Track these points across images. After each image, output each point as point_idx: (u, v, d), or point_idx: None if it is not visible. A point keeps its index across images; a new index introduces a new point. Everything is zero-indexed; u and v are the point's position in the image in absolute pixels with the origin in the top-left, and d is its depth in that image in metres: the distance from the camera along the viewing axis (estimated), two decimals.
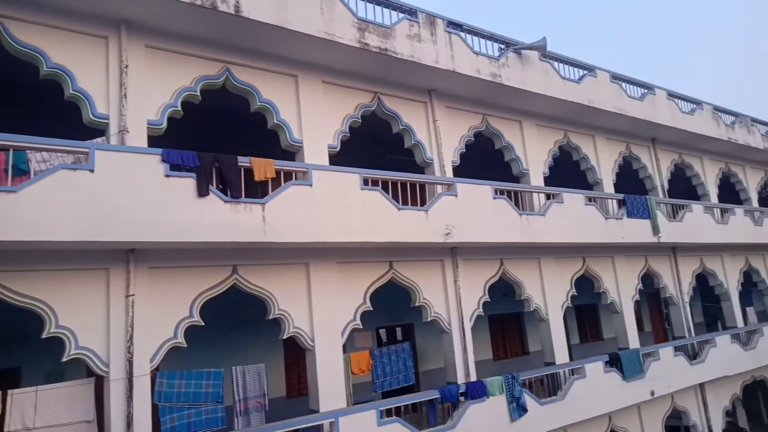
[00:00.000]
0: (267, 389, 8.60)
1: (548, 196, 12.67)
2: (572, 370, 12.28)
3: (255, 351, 10.45)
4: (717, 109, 18.15)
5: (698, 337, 16.11)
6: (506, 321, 15.71)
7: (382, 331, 13.79)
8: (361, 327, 9.77)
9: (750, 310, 19.09)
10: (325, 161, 9.53)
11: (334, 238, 8.76)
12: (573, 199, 12.77)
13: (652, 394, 13.40)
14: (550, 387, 12.24)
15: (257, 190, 8.47)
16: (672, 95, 16.41)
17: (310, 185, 8.61)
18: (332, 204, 8.79)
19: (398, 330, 13.86)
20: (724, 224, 17.08)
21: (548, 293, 12.67)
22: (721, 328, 18.96)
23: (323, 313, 9.19)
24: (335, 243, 8.92)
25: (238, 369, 8.41)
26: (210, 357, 9.47)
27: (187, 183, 7.48)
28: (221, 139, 10.74)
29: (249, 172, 8.27)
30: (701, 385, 15.58)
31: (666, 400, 14.62)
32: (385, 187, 9.71)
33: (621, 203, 14.17)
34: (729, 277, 18.01)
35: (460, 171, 11.51)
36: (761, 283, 19.75)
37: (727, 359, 16.02)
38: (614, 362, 12.93)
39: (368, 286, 9.97)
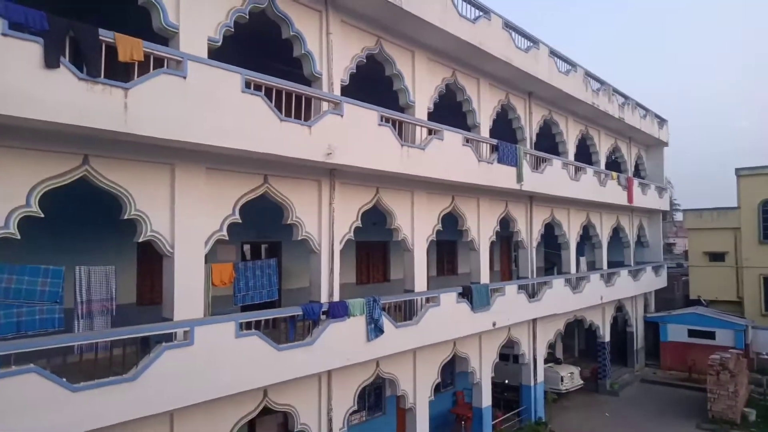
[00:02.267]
0: (115, 293, 7.93)
1: (430, 132, 12.83)
2: (429, 298, 12.99)
3: (105, 252, 9.51)
4: (588, 74, 19.49)
5: (539, 278, 17.91)
6: (372, 248, 16.08)
7: (248, 247, 13.39)
8: (227, 239, 9.32)
9: (582, 259, 21.55)
10: (204, 55, 8.60)
11: (206, 140, 8.04)
12: (453, 137, 13.08)
13: (494, 324, 14.74)
14: (406, 312, 12.87)
15: (124, 75, 7.42)
16: (553, 53, 17.23)
17: (184, 77, 7.73)
18: (208, 103, 8.02)
19: (264, 247, 13.53)
20: (576, 181, 18.77)
21: (417, 226, 13.09)
22: (556, 273, 21.21)
23: (186, 220, 8.58)
24: (207, 146, 8.21)
25: (82, 269, 7.59)
26: (52, 254, 8.43)
27: (32, 48, 6.29)
28: (77, 11, 9.19)
29: (113, 51, 7.19)
30: (534, 320, 17.48)
31: (503, 331, 16.21)
32: (268, 95, 9.07)
33: (494, 149, 14.84)
34: (571, 229, 20.04)
35: (346, 93, 11.13)
36: (595, 237, 22.30)
37: (559, 300, 18.06)
38: (466, 294, 13.92)
39: (239, 198, 9.47)
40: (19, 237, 6.68)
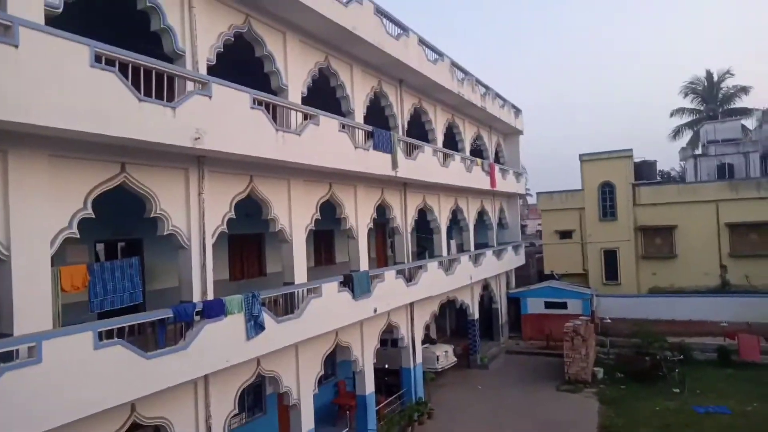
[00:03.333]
0: None
1: (305, 117, 12.33)
2: (310, 289, 12.58)
3: None
4: (454, 64, 20.21)
5: (416, 262, 18.32)
6: (246, 241, 15.21)
7: (102, 247, 11.92)
8: (78, 236, 8.09)
9: (452, 242, 22.49)
10: (41, 21, 7.29)
11: (46, 121, 6.81)
12: (329, 123, 12.72)
13: (376, 311, 14.75)
14: (287, 306, 12.35)
15: None
16: (422, 42, 17.55)
17: (16, 46, 6.47)
18: (48, 78, 6.80)
19: (121, 245, 12.12)
20: (446, 167, 19.44)
21: (294, 215, 12.57)
22: (428, 257, 21.89)
23: (25, 217, 7.28)
24: (49, 129, 6.99)
25: None
26: None
27: None
28: None
29: None
30: (411, 304, 17.85)
31: (383, 317, 16.32)
32: (124, 72, 7.98)
33: (369, 135, 14.74)
34: (442, 213, 20.78)
35: (214, 75, 10.24)
36: (463, 221, 23.40)
37: (434, 282, 18.64)
38: (347, 283, 13.72)
39: (91, 190, 8.27)
40: None
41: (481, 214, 25.47)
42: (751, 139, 40.53)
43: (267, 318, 10.76)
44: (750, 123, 44.35)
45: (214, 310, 9.55)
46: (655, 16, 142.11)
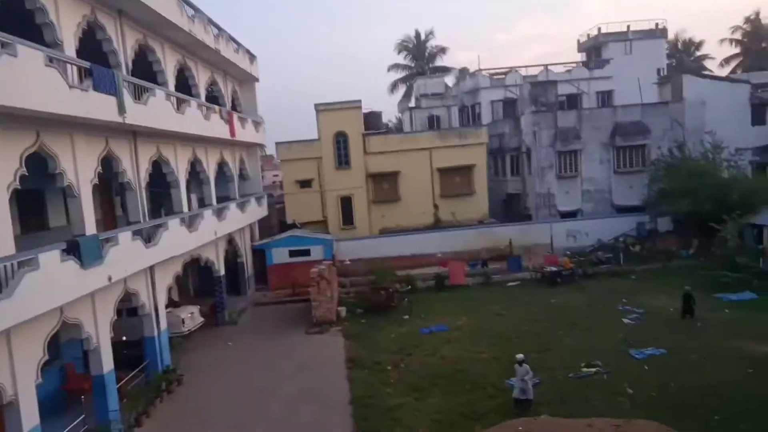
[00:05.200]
0: None
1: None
2: (22, 262, 10.16)
3: None
4: None
5: (155, 221, 16.52)
6: None
7: None
8: None
9: (193, 197, 20.99)
10: None
11: None
12: (31, 54, 10.16)
13: (110, 279, 12.89)
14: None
15: None
16: None
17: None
18: None
19: None
20: (182, 114, 17.73)
21: None
22: (164, 214, 20.01)
23: None
24: None
25: None
26: None
27: None
28: None
29: None
30: (152, 267, 16.15)
31: (119, 285, 14.41)
32: None
33: (87, 73, 12.34)
34: (179, 166, 19.06)
35: None
36: (203, 173, 21.95)
37: (177, 241, 17.17)
38: (72, 250, 11.54)
39: None
40: None
41: (222, 166, 24.30)
42: (451, 94, 47.50)
43: None
44: (450, 80, 51.93)
45: None
46: None
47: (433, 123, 43.11)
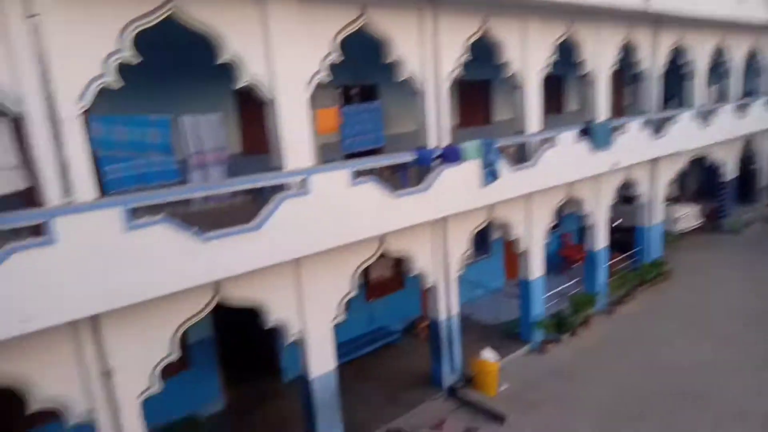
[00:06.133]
0: (225, 142, 7.54)
1: None
2: (544, 139, 11.84)
3: (206, 101, 9.07)
4: None
5: (666, 112, 15.94)
6: (473, 88, 14.70)
7: (341, 92, 12.51)
8: (328, 81, 8.48)
9: (713, 89, 18.89)
10: None
11: None
12: None
13: (616, 165, 13.47)
14: (518, 156, 11.90)
15: None
16: None
17: None
18: None
19: (356, 91, 12.48)
20: None
21: (530, 57, 11.53)
22: (677, 106, 18.83)
23: (285, 61, 7.76)
24: None
25: (187, 118, 7.16)
26: (148, 105, 8.03)
27: None
28: None
29: None
30: (655, 159, 15.89)
31: (621, 172, 14.89)
32: None
33: None
34: (700, 55, 17.26)
35: None
36: (726, 64, 19.23)
37: (685, 136, 16.16)
38: (585, 133, 12.57)
39: (336, 34, 8.42)
40: (118, 87, 6.22)
41: (752, 56, 20.62)
42: None
43: (502, 166, 10.51)
44: None
45: (452, 155, 9.57)
46: None
47: None
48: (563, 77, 17.38)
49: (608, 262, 15.34)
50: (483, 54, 11.29)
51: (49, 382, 6.35)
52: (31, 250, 5.46)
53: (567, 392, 11.26)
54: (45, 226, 5.57)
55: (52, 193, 5.82)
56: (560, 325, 13.30)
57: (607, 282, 15.12)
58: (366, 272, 12.42)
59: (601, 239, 14.73)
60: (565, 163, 12.12)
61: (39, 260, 5.51)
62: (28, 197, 5.93)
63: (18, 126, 5.65)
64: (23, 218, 5.60)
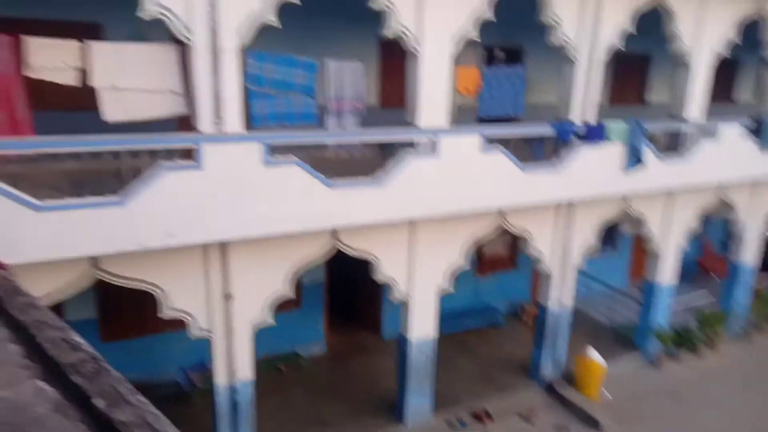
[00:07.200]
0: (364, 92, 7.52)
1: None
2: (701, 129, 10.56)
3: (347, 48, 9.09)
4: None
5: None
6: (629, 62, 13.37)
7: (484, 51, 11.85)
8: (476, 40, 8.08)
9: None
10: None
11: None
12: None
13: None
14: (669, 144, 10.75)
15: None
16: None
17: None
18: None
19: (499, 53, 11.74)
20: None
21: (704, 32, 10.18)
22: None
23: (434, 12, 7.46)
24: None
25: (332, 63, 7.18)
26: (294, 45, 8.13)
27: None
28: None
29: None
30: None
31: None
32: None
33: None
34: None
35: None
36: None
37: None
38: (758, 129, 11.03)
39: None
40: (278, 25, 6.34)
41: None
42: None
43: (648, 153, 9.55)
44: None
45: (595, 133, 8.84)
46: None
47: None
48: (739, 62, 15.31)
49: (754, 280, 13.62)
50: (646, 24, 10.17)
51: (178, 295, 6.90)
52: (181, 172, 5.89)
53: (676, 414, 10.31)
54: (195, 152, 5.95)
55: (204, 121, 6.16)
56: (682, 340, 12.11)
57: (748, 303, 13.45)
58: (479, 245, 12.08)
59: (750, 253, 13.07)
60: (725, 160, 10.76)
61: (187, 182, 5.95)
62: (182, 123, 6.34)
63: (184, 54, 5.99)
64: (178, 140, 6.03)
